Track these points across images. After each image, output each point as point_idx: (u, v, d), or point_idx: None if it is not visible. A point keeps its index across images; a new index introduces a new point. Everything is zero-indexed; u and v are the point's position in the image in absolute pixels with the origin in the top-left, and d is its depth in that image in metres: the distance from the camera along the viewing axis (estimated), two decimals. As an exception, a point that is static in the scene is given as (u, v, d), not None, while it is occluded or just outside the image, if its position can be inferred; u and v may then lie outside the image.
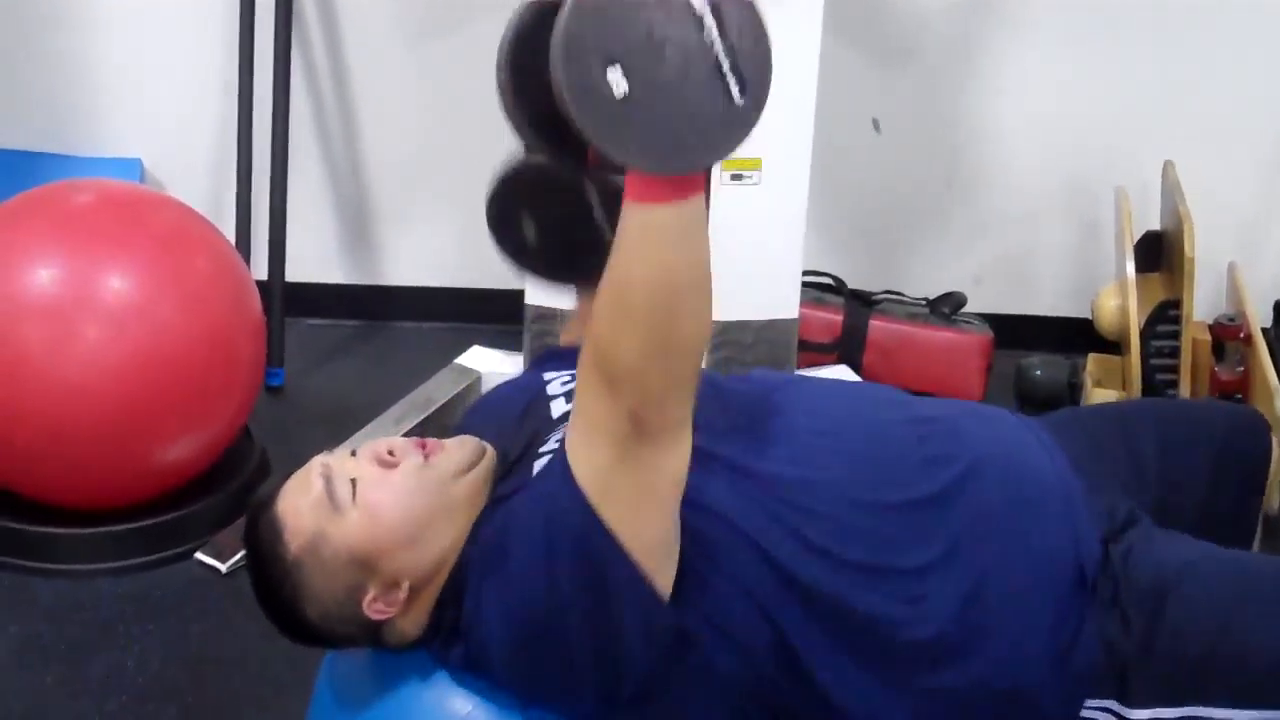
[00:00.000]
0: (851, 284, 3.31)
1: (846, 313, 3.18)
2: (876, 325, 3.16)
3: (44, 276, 2.46)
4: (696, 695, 1.51)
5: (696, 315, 1.37)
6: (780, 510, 1.51)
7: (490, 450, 1.62)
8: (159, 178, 3.46)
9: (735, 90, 1.25)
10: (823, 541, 1.51)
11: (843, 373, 3.01)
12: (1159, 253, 3.13)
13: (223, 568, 2.56)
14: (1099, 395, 3.03)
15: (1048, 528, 1.58)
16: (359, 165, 3.52)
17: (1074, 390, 3.17)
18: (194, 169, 3.44)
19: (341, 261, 3.60)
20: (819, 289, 3.25)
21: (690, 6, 1.22)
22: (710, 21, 1.22)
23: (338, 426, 2.87)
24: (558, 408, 1.66)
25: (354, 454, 1.59)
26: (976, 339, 3.14)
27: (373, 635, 1.58)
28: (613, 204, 1.48)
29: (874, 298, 3.25)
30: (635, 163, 1.27)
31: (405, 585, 1.53)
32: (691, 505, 1.45)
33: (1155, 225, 3.19)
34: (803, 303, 3.08)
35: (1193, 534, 1.68)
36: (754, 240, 2.71)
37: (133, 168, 3.42)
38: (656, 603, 1.43)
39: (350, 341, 3.56)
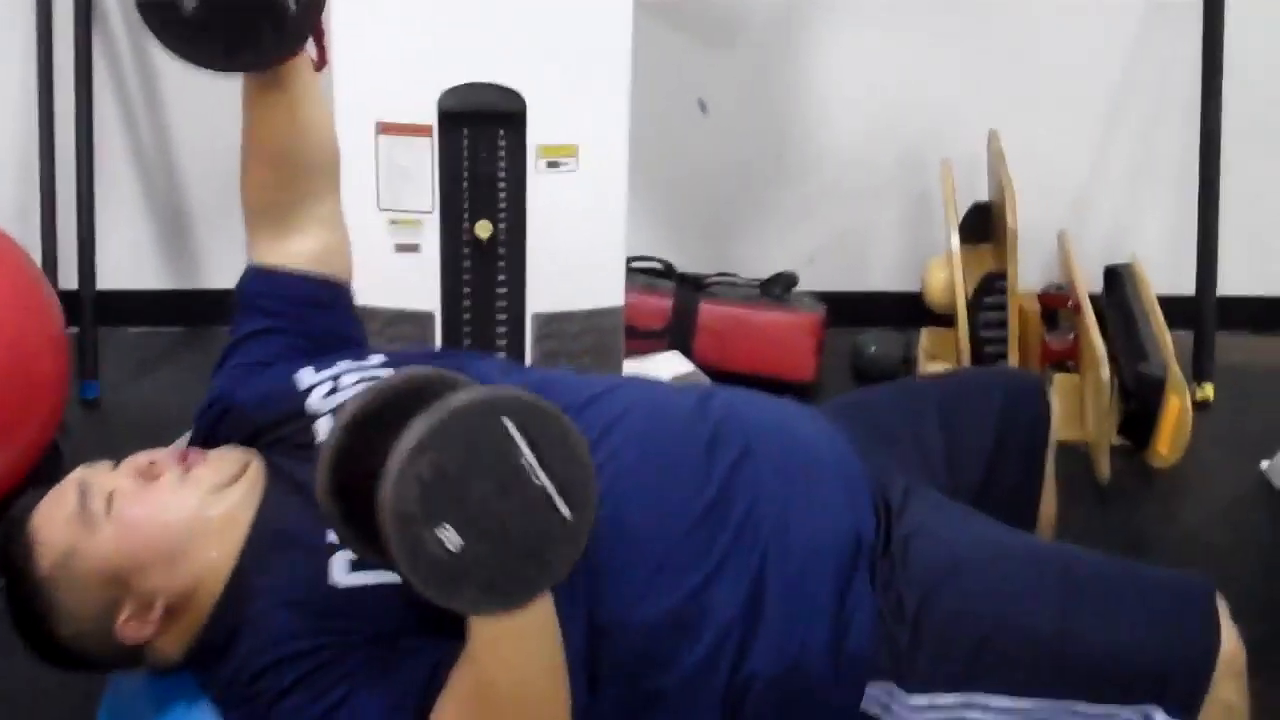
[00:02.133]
0: (684, 268, 3.26)
1: (676, 297, 3.13)
2: (706, 309, 3.12)
3: None
4: None
5: (555, 707, 1.36)
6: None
7: (255, 462, 1.56)
8: (-41, 186, 3.31)
9: (565, 510, 1.22)
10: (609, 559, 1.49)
11: (674, 358, 2.96)
12: (988, 223, 3.12)
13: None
14: (933, 369, 3.02)
15: (825, 508, 1.57)
16: (172, 167, 3.40)
17: (908, 365, 3.16)
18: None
19: (159, 266, 3.48)
20: (649, 274, 3.20)
21: (511, 453, 1.20)
22: (530, 458, 1.20)
23: (154, 438, 2.68)
24: (321, 429, 1.59)
25: (115, 466, 1.55)
26: (807, 318, 3.11)
27: (132, 658, 1.53)
28: None
29: (706, 281, 3.20)
30: (480, 610, 1.25)
31: (160, 604, 1.48)
32: None
33: (984, 196, 3.19)
34: (631, 289, 3.02)
35: (981, 505, 1.70)
36: (574, 228, 2.63)
37: (-75, 176, 3.27)
38: None
39: (172, 349, 3.43)
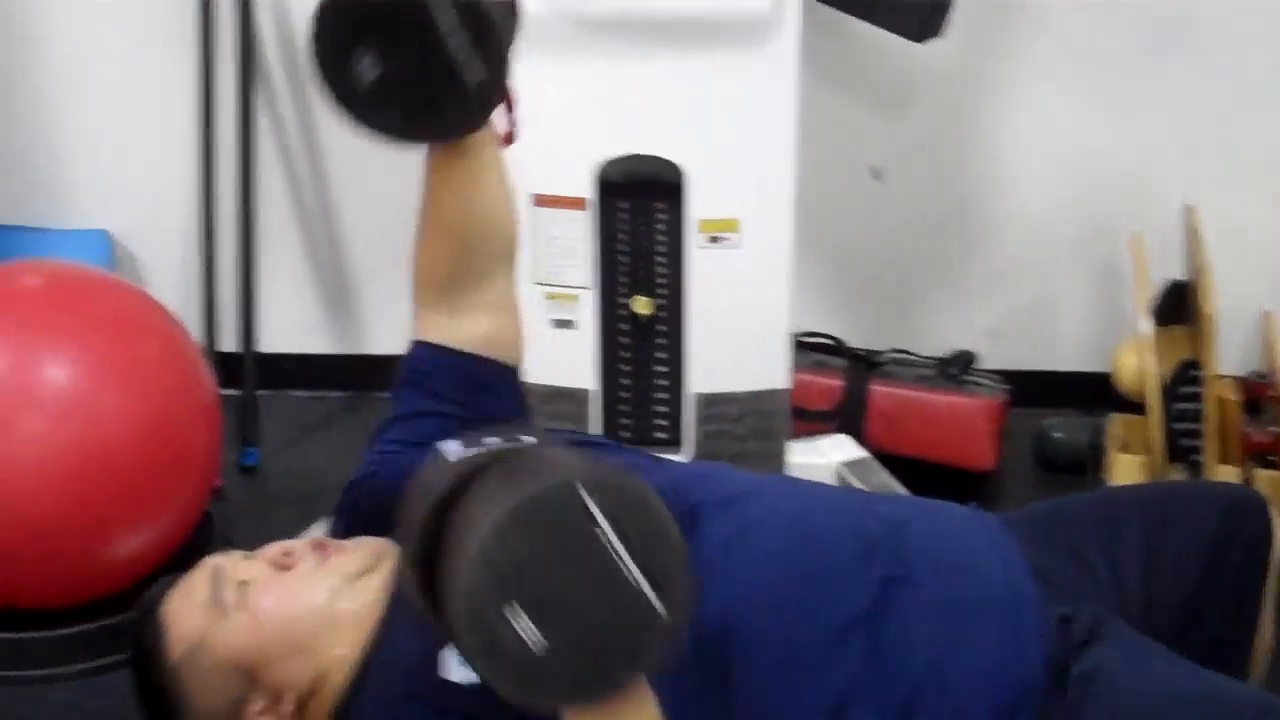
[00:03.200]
0: (858, 343, 3.13)
1: (846, 377, 2.99)
2: (878, 390, 2.97)
3: (-25, 367, 2.34)
4: None
5: None
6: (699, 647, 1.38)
7: (391, 552, 1.50)
8: (129, 249, 3.35)
9: (657, 603, 1.12)
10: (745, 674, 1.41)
11: (843, 442, 2.82)
12: (1184, 304, 2.93)
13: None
14: (1122, 460, 2.84)
15: (988, 648, 1.44)
16: (335, 231, 3.40)
17: (1095, 454, 2.98)
18: (164, 240, 3.34)
19: (322, 331, 3.47)
20: (819, 350, 3.07)
21: (595, 540, 1.10)
22: (614, 537, 1.10)
23: (310, 506, 2.70)
24: None
25: (250, 555, 1.52)
26: (985, 402, 2.95)
27: None
28: (474, 24, 1.40)
29: (879, 358, 3.07)
30: (564, 708, 1.16)
31: (290, 698, 1.45)
32: None
33: (1179, 273, 3.01)
34: (800, 367, 2.91)
35: (1185, 633, 1.54)
36: (736, 306, 2.54)
37: (100, 240, 3.31)
38: None
39: (333, 414, 3.41)
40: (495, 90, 1.46)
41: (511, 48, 1.49)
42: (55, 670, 2.44)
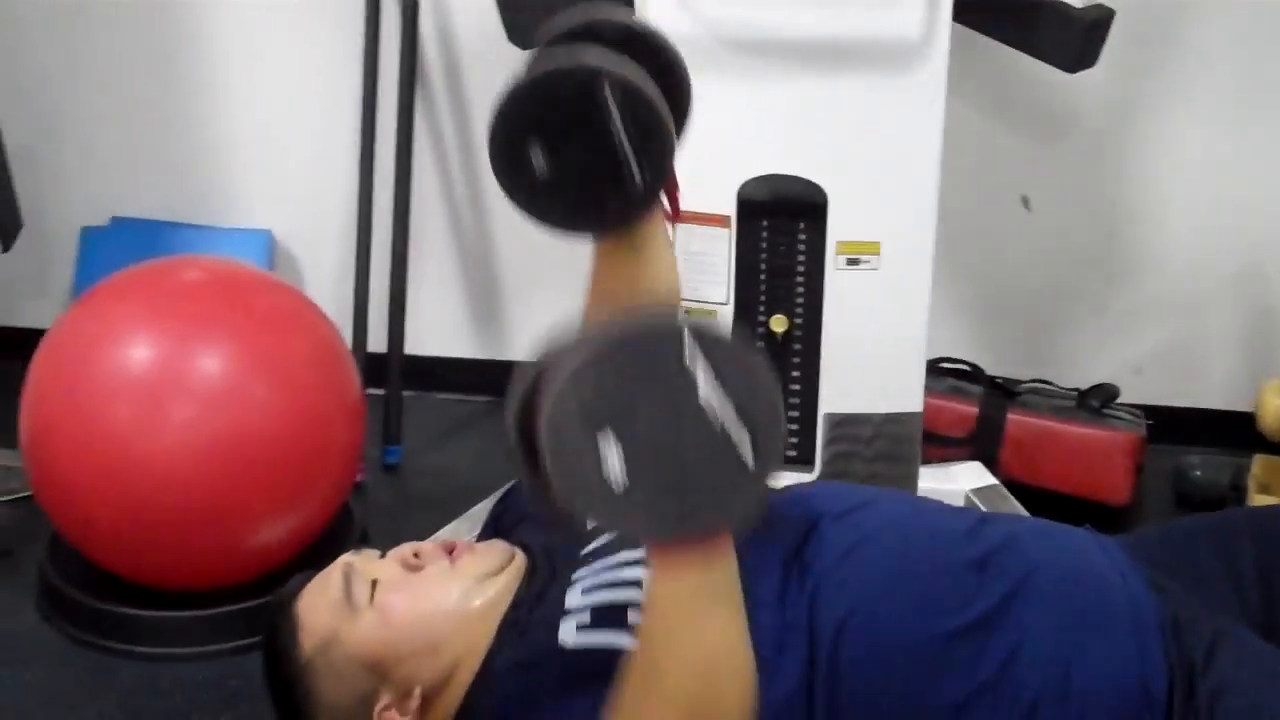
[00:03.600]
0: (998, 372, 3.11)
1: (983, 404, 2.97)
2: (1015, 419, 2.94)
3: (136, 355, 2.43)
4: None
5: (737, 694, 1.22)
6: (816, 645, 1.41)
7: (519, 556, 1.56)
8: (290, 249, 3.46)
9: (745, 452, 1.12)
10: (859, 687, 1.41)
11: (975, 470, 2.81)
12: (1336, 346, 2.87)
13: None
14: (1262, 501, 2.78)
15: (1109, 659, 1.43)
16: (487, 239, 3.46)
17: (1237, 494, 2.92)
18: (323, 242, 3.43)
19: (469, 335, 3.54)
20: (957, 376, 3.06)
21: (685, 369, 1.11)
22: (710, 385, 1.11)
23: (448, 506, 2.78)
24: None
25: (382, 555, 1.57)
26: (1124, 436, 2.90)
27: None
28: (636, 111, 1.42)
29: (1017, 388, 3.04)
30: (639, 541, 1.22)
31: (417, 693, 1.48)
32: None
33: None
34: (937, 393, 2.90)
35: None
36: (873, 328, 2.54)
37: (263, 239, 3.42)
38: None
39: (475, 417, 3.48)
40: (659, 187, 1.49)
41: (676, 146, 1.51)
42: (196, 649, 2.52)
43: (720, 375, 1.11)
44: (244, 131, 3.44)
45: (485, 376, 3.52)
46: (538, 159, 1.42)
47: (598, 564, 1.52)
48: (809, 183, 2.43)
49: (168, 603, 2.55)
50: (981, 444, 2.93)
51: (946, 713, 1.40)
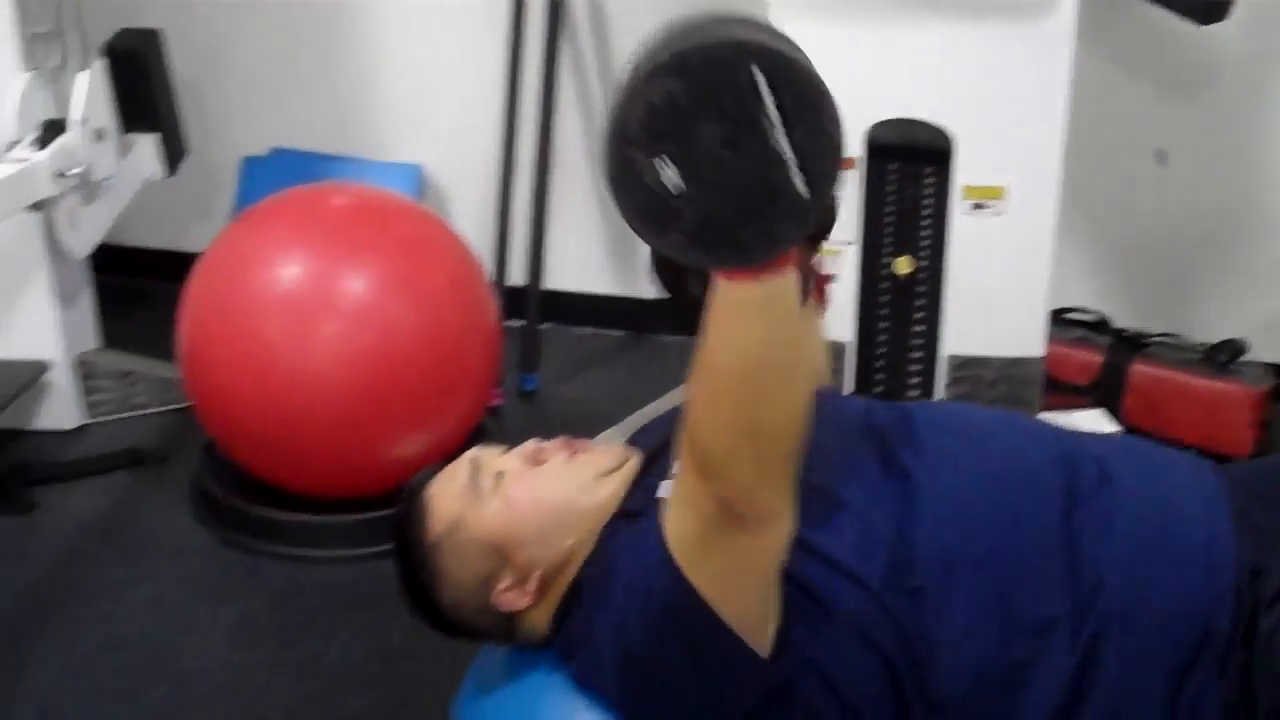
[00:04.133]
0: (1126, 323, 3.12)
1: (1108, 354, 2.99)
2: (1139, 369, 2.96)
3: (288, 272, 2.57)
4: None
5: (785, 398, 1.29)
6: (902, 562, 1.45)
7: (634, 459, 1.62)
8: (438, 183, 3.59)
9: (799, 181, 1.13)
10: (945, 580, 1.45)
11: (1096, 417, 2.83)
12: None
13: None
14: (1386, 460, 2.76)
15: (1179, 597, 1.46)
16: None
17: (1361, 452, 2.91)
18: (470, 176, 3.56)
19: (605, 272, 3.65)
20: (1084, 327, 3.08)
21: (752, 106, 1.11)
22: (774, 117, 1.11)
23: (580, 432, 2.86)
24: None
25: (507, 451, 1.64)
26: (1250, 391, 2.90)
27: (506, 628, 1.60)
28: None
29: (1145, 340, 3.05)
30: (684, 257, 1.18)
31: (536, 576, 1.55)
32: (815, 556, 1.42)
33: None
34: (1063, 341, 2.93)
35: None
36: (997, 271, 2.58)
37: (413, 173, 3.55)
38: (751, 660, 1.40)
39: (609, 350, 3.60)
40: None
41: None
42: (336, 553, 2.68)
43: (782, 101, 1.11)
44: (398, 70, 3.58)
45: (620, 312, 3.64)
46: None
47: None
48: (936, 127, 2.48)
49: (311, 508, 2.71)
50: (1105, 392, 2.95)
51: (1026, 634, 1.44)
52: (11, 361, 3.02)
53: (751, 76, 1.10)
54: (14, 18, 2.79)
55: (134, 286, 3.60)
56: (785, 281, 1.23)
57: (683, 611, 1.37)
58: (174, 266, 3.66)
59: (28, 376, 3.00)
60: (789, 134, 1.11)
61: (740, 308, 1.24)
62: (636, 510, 1.53)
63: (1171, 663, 1.44)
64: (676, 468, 1.41)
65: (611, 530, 1.54)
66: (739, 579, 1.37)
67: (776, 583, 1.39)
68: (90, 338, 3.19)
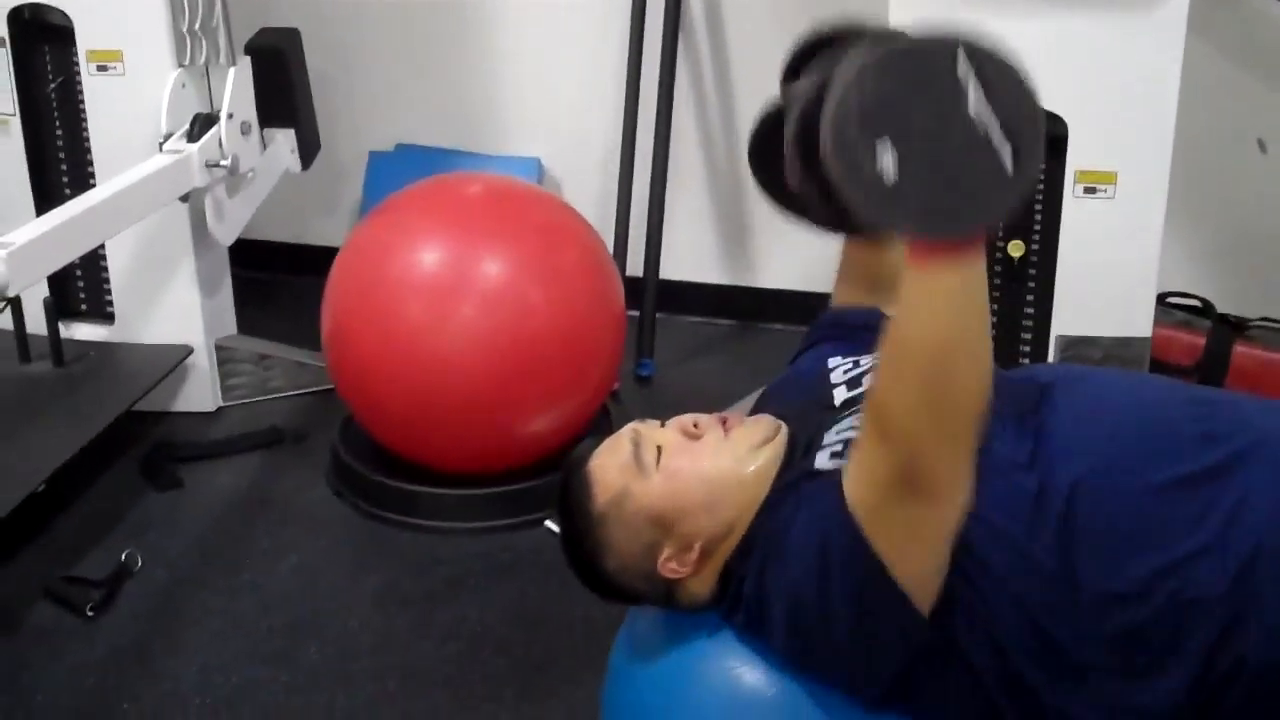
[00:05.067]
0: (1229, 309, 3.19)
1: (1210, 336, 3.06)
2: (1241, 351, 3.03)
3: (428, 258, 2.71)
4: (952, 684, 1.53)
5: (971, 377, 1.38)
6: (1047, 509, 1.51)
7: (784, 430, 1.69)
8: (555, 176, 3.71)
9: (1006, 161, 1.26)
10: (1089, 527, 1.50)
11: (1202, 398, 2.91)
12: None
13: (565, 541, 2.74)
14: None
15: None
16: (739, 175, 3.65)
17: None
18: (586, 169, 3.68)
19: (718, 263, 3.77)
20: (1186, 310, 3.16)
21: (957, 81, 1.24)
22: (978, 96, 1.24)
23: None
24: (839, 395, 1.72)
25: (664, 424, 1.71)
26: (1352, 372, 2.98)
27: (665, 594, 1.68)
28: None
29: (1247, 324, 3.12)
30: (905, 230, 1.31)
31: (697, 547, 1.62)
32: (973, 519, 1.47)
33: None
34: (1167, 324, 3.01)
35: None
36: (1106, 254, 2.68)
37: (532, 166, 3.68)
38: (915, 620, 1.47)
39: (721, 340, 3.72)
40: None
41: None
42: (471, 524, 2.81)
43: (989, 89, 1.23)
44: (518, 68, 3.71)
45: (732, 302, 3.76)
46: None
47: (838, 426, 1.66)
48: (1049, 114, 2.56)
49: (446, 482, 2.84)
50: (1207, 373, 3.02)
51: (1170, 566, 1.48)
52: (158, 345, 3.18)
53: (955, 63, 1.23)
54: (167, 16, 2.95)
55: (262, 279, 3.75)
56: (979, 267, 1.34)
57: (858, 569, 1.45)
58: (300, 260, 3.84)
59: (174, 359, 3.15)
60: (992, 110, 1.23)
61: (938, 292, 1.34)
62: (793, 481, 1.60)
63: None
64: (854, 435, 1.50)
65: (772, 501, 1.61)
66: (915, 544, 1.44)
67: (946, 554, 1.46)
68: (229, 324, 3.34)
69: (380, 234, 2.82)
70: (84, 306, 3.28)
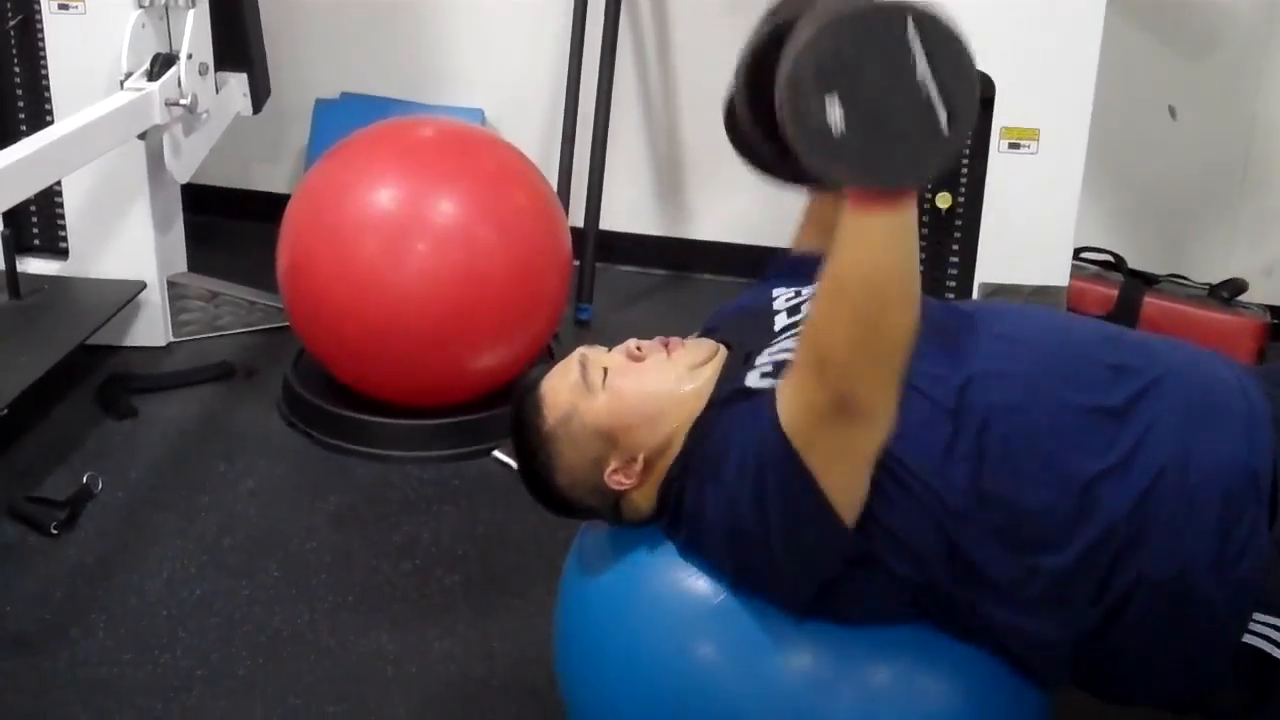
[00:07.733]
0: (1139, 265, 3.37)
1: (1122, 288, 3.25)
2: (1150, 302, 3.22)
3: (384, 196, 2.81)
4: (873, 591, 1.65)
5: (901, 312, 1.48)
6: (965, 412, 1.62)
7: (722, 350, 1.80)
8: (498, 127, 3.80)
9: (943, 122, 1.36)
10: (1004, 443, 1.61)
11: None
12: None
13: (515, 465, 2.84)
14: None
15: (1226, 438, 1.63)
16: (675, 130, 3.79)
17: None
18: (529, 121, 3.78)
19: (653, 215, 3.88)
20: (1100, 265, 3.34)
21: (906, 56, 1.34)
22: (923, 65, 1.35)
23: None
24: (780, 321, 1.82)
25: (610, 349, 1.82)
26: (1250, 322, 3.17)
27: (612, 507, 1.79)
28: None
29: (1156, 278, 3.31)
30: (847, 178, 1.43)
31: (640, 458, 1.74)
32: (894, 438, 1.57)
33: None
34: (1081, 276, 3.18)
35: None
36: (1028, 207, 2.85)
37: (474, 116, 3.78)
38: (842, 532, 1.58)
39: (656, 288, 3.85)
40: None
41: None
42: (423, 454, 2.93)
43: (932, 57, 1.35)
44: (465, 20, 3.80)
45: (666, 252, 3.89)
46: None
47: (771, 348, 1.76)
48: (980, 73, 2.71)
49: (397, 413, 2.95)
50: (1120, 323, 3.16)
51: (1079, 486, 1.60)
52: (111, 280, 3.26)
53: (905, 28, 1.34)
54: (127, -42, 3.03)
55: (207, 223, 3.79)
56: (911, 215, 1.45)
57: (792, 487, 1.56)
58: (245, 205, 3.92)
59: (127, 294, 3.23)
60: (934, 75, 1.35)
61: (873, 233, 1.45)
62: (725, 398, 1.71)
63: (1222, 500, 1.60)
64: (787, 358, 1.61)
65: (707, 417, 1.72)
66: (843, 462, 1.56)
67: (871, 466, 1.58)
68: (180, 262, 3.42)
69: (337, 173, 2.91)
70: (37, 241, 3.34)
